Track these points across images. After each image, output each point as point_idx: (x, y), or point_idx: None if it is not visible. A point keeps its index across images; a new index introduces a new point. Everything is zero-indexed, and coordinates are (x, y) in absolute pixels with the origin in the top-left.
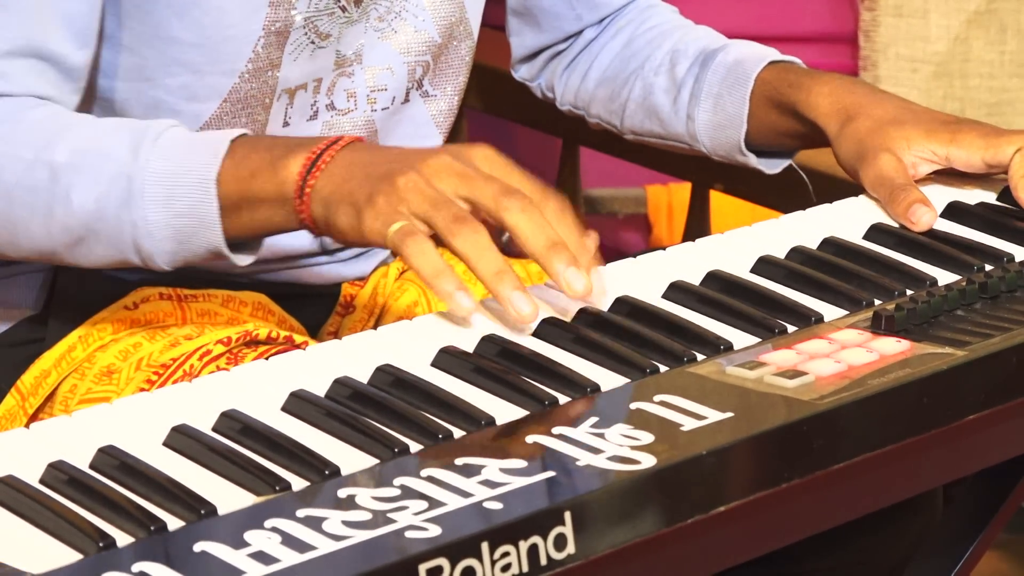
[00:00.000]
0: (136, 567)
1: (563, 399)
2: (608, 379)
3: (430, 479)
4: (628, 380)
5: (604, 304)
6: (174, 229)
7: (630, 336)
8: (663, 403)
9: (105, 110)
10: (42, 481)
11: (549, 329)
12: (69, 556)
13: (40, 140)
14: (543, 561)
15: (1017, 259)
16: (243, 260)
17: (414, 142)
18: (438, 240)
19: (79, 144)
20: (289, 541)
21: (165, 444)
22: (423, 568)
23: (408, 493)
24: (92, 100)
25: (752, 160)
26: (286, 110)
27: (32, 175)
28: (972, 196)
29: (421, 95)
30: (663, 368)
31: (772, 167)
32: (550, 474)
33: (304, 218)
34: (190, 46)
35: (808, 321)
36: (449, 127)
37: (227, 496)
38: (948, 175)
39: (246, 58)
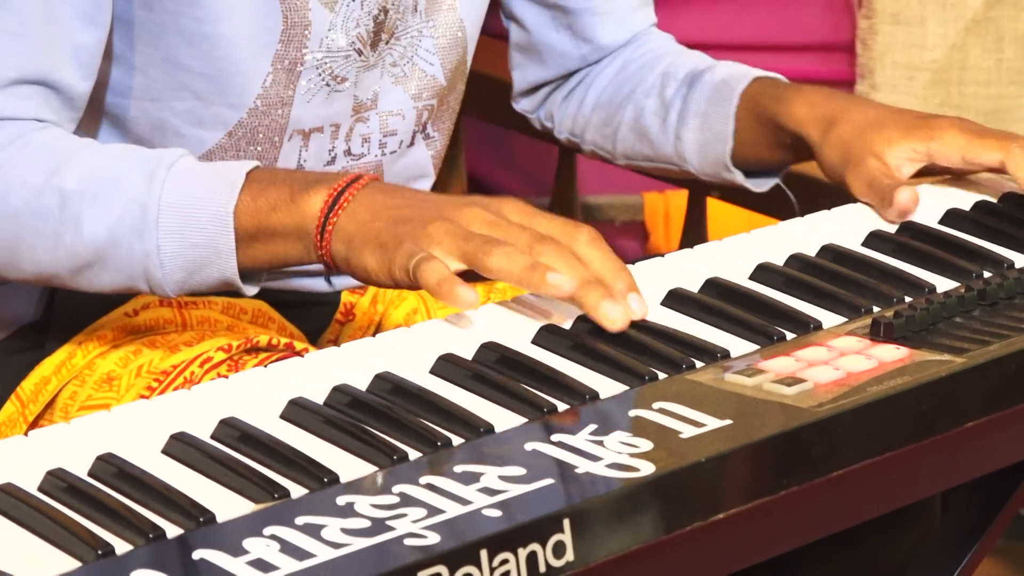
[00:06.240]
0: (135, 575)
1: (562, 406)
2: (607, 386)
3: (429, 486)
4: (627, 387)
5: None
6: (186, 259)
7: (629, 343)
8: (662, 410)
9: (114, 126)
10: (41, 489)
11: (548, 336)
12: (68, 564)
13: (48, 165)
14: (542, 568)
15: (1016, 265)
16: (250, 290)
17: (408, 183)
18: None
19: (88, 171)
20: (288, 549)
21: (164, 452)
22: None
23: (407, 500)
24: (101, 117)
25: (739, 177)
26: (300, 152)
27: (40, 201)
28: (969, 200)
29: (424, 137)
30: (662, 375)
31: (759, 185)
32: (549, 481)
33: (324, 255)
34: (198, 75)
35: (807, 328)
36: (439, 167)
37: (226, 504)
38: (949, 180)
39: (254, 94)
